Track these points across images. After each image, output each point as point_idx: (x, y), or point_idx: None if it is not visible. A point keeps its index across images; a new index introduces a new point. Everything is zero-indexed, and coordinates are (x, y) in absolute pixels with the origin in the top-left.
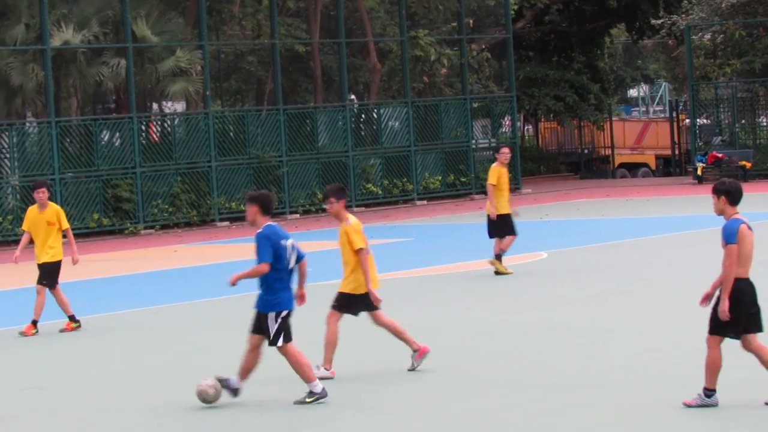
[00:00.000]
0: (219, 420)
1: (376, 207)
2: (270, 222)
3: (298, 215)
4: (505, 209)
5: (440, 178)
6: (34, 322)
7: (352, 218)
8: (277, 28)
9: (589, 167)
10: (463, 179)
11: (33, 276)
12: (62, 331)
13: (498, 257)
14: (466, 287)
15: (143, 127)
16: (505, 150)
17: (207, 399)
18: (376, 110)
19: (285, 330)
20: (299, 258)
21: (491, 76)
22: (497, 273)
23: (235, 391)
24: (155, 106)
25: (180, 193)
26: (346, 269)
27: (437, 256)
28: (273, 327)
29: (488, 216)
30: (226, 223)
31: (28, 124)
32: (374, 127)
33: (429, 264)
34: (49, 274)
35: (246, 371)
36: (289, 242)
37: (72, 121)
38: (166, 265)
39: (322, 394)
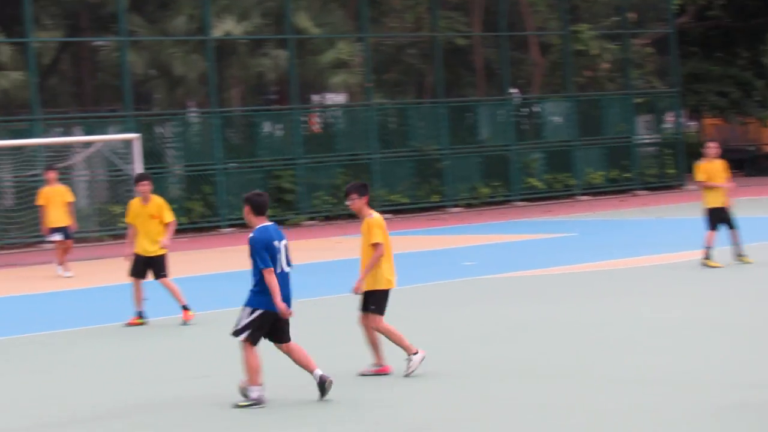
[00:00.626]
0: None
1: (538, 201)
2: (265, 223)
3: (459, 209)
4: (716, 203)
5: (603, 173)
6: (139, 314)
7: (375, 214)
8: (438, 21)
9: (755, 164)
10: (626, 175)
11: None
12: (182, 325)
13: (708, 250)
14: (634, 283)
15: (305, 119)
16: (711, 144)
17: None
18: (538, 104)
19: (254, 328)
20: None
21: (654, 72)
22: (708, 266)
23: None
24: (316, 97)
25: (341, 184)
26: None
27: (601, 251)
28: (245, 320)
29: (708, 209)
30: (389, 215)
31: (191, 115)
32: (536, 121)
33: (593, 260)
34: (159, 266)
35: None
36: (282, 243)
37: (234, 112)
38: (330, 257)
39: (260, 401)
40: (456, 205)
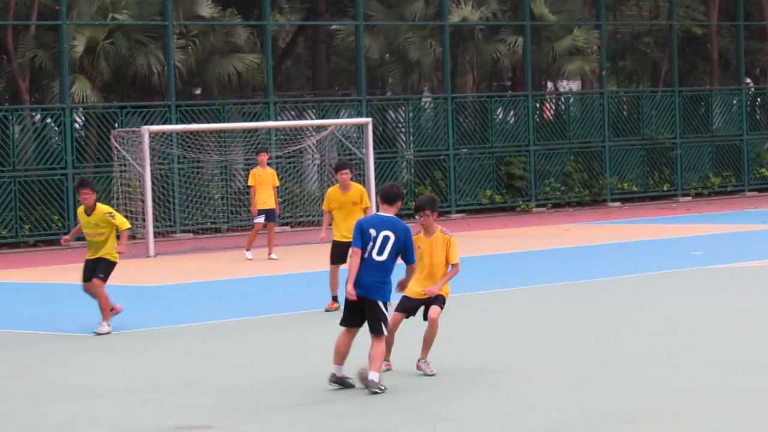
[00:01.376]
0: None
1: None
2: (383, 213)
3: (690, 198)
4: None
5: None
6: (335, 298)
7: (446, 231)
8: (675, 10)
9: None
10: None
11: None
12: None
13: None
14: None
15: (538, 106)
16: None
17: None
18: None
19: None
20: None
21: None
22: None
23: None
24: (550, 84)
25: (573, 172)
26: (421, 272)
27: None
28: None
29: None
30: (618, 204)
31: (424, 99)
32: None
33: None
34: None
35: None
36: (381, 233)
37: (467, 98)
38: (558, 244)
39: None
40: (686, 195)
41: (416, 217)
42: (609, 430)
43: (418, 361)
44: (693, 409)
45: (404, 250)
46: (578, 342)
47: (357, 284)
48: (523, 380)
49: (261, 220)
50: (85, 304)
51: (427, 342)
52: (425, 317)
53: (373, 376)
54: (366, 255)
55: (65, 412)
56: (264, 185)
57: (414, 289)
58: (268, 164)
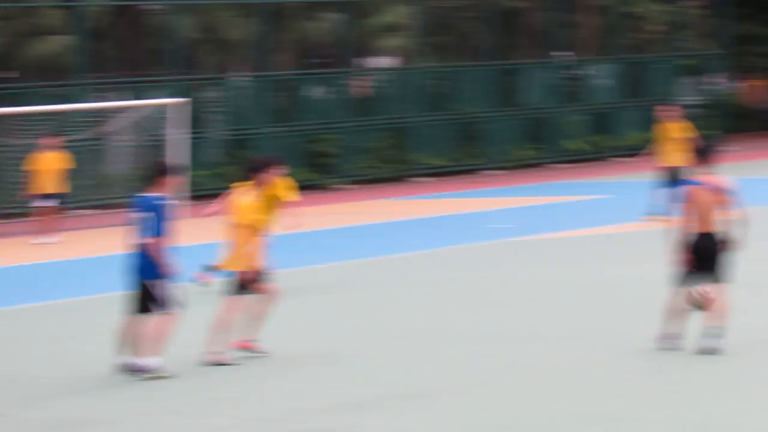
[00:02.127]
0: None
1: (580, 163)
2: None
3: (501, 171)
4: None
5: (646, 135)
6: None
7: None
8: None
9: None
10: None
11: None
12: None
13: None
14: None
15: (352, 82)
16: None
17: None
18: (585, 67)
19: None
20: None
21: (705, 34)
22: None
23: None
24: (366, 61)
25: (385, 148)
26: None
27: (635, 212)
28: None
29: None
30: (431, 179)
31: (238, 78)
32: (582, 84)
33: (625, 221)
34: None
35: None
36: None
37: (283, 76)
38: (365, 220)
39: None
40: (499, 168)
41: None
42: (411, 404)
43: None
44: (489, 381)
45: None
46: (385, 318)
47: None
48: (331, 357)
49: (46, 203)
50: None
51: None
52: None
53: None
54: None
55: None
56: (47, 169)
57: None
58: (64, 147)
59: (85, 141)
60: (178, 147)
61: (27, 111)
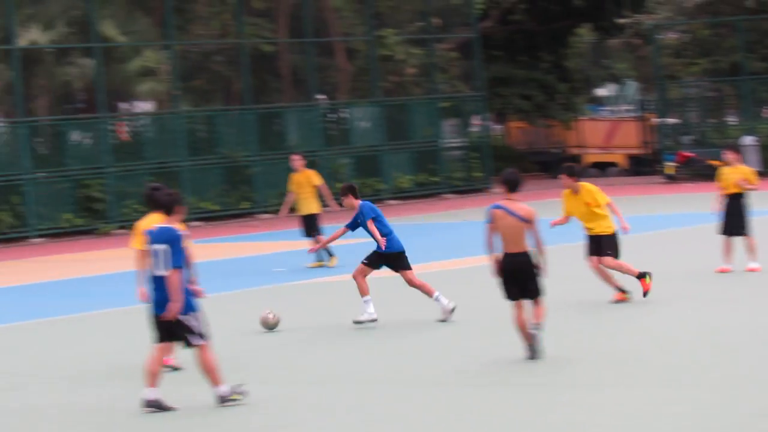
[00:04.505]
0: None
1: None
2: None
3: (269, 215)
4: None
5: (411, 177)
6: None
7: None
8: (244, 28)
9: (560, 166)
10: (433, 179)
11: None
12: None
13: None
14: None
15: (113, 127)
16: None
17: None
18: (345, 110)
19: None
20: None
21: (459, 76)
22: None
23: None
24: (124, 105)
25: None
26: None
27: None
28: None
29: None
30: (199, 223)
31: None
32: (344, 127)
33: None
34: None
35: None
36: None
37: (42, 122)
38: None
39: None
40: (266, 212)
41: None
42: None
43: None
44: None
45: None
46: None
47: None
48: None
49: None
50: None
51: None
52: None
53: None
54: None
55: None
56: None
57: None
58: None
59: None
60: None
61: None
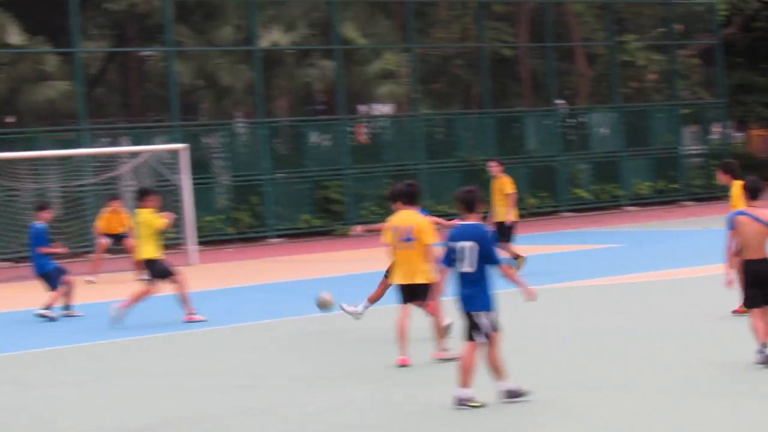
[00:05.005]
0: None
1: (585, 212)
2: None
3: None
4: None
5: (650, 184)
6: None
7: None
8: (484, 32)
9: None
10: (672, 186)
11: None
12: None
13: None
14: (682, 293)
15: (351, 129)
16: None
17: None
18: (584, 115)
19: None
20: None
21: (700, 83)
22: None
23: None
24: (363, 108)
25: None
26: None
27: (648, 262)
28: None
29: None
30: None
31: (238, 124)
32: (583, 132)
33: (639, 270)
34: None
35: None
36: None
37: (281, 122)
38: (376, 267)
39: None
40: None
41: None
42: None
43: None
44: None
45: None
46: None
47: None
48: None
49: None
50: None
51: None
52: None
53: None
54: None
55: None
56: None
57: None
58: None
59: (88, 186)
60: (184, 192)
61: (28, 156)
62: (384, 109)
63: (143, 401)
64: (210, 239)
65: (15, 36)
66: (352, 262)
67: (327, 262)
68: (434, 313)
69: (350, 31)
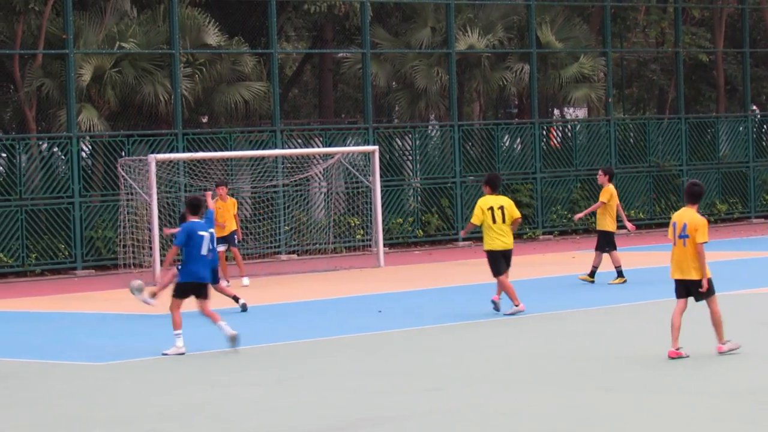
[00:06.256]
0: None
1: None
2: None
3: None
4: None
5: None
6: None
7: None
8: (681, 37)
9: None
10: None
11: None
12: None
13: None
14: None
15: (544, 133)
16: None
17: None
18: None
19: None
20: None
21: None
22: None
23: None
24: (556, 112)
25: (579, 199)
26: None
27: None
28: None
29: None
30: (624, 231)
31: (430, 127)
32: None
33: None
34: None
35: None
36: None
37: (474, 125)
38: (566, 271)
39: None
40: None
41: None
42: None
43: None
44: None
45: None
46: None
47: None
48: None
49: (222, 248)
50: (90, 332)
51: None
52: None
53: None
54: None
55: None
56: (225, 216)
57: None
58: (230, 195)
59: (282, 187)
60: (375, 194)
61: (222, 156)
62: (577, 113)
63: (327, 403)
64: (398, 241)
65: (213, 36)
66: (538, 266)
67: (517, 266)
68: (712, 307)
69: (547, 35)
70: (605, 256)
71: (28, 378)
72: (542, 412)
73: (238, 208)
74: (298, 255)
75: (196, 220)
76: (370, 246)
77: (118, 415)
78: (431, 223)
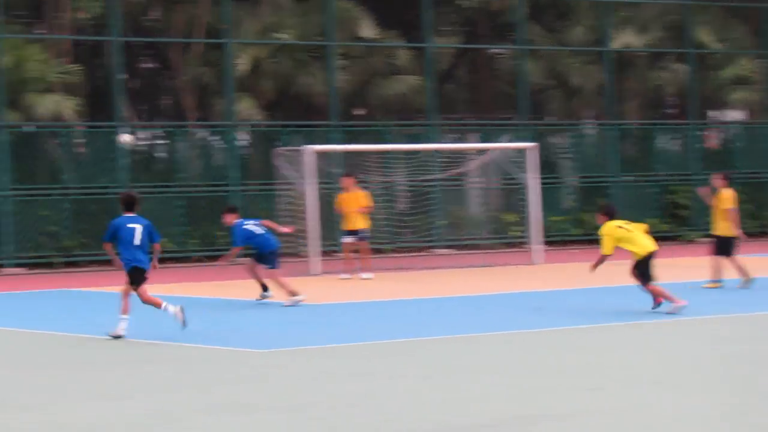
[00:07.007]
0: None
1: None
2: None
3: None
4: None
5: None
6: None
7: None
8: None
9: None
10: None
11: None
12: None
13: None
14: None
15: (701, 134)
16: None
17: None
18: None
19: None
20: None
21: None
22: None
23: None
24: (713, 113)
25: (740, 203)
26: None
27: None
28: None
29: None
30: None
31: (586, 126)
32: None
33: None
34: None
35: None
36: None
37: (630, 125)
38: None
39: None
40: None
41: None
42: None
43: None
44: None
45: None
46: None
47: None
48: None
49: (350, 239)
50: (251, 318)
51: None
52: None
53: None
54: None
55: (234, 427)
56: (351, 208)
57: None
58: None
59: (437, 181)
60: (531, 191)
61: (380, 149)
62: (736, 115)
63: (482, 398)
64: (555, 239)
65: (368, 29)
66: (692, 269)
67: (674, 267)
68: None
69: (705, 35)
70: (724, 260)
71: (193, 362)
72: (707, 414)
73: (372, 200)
74: (455, 250)
75: (129, 215)
76: (525, 243)
77: (284, 403)
78: (588, 222)
